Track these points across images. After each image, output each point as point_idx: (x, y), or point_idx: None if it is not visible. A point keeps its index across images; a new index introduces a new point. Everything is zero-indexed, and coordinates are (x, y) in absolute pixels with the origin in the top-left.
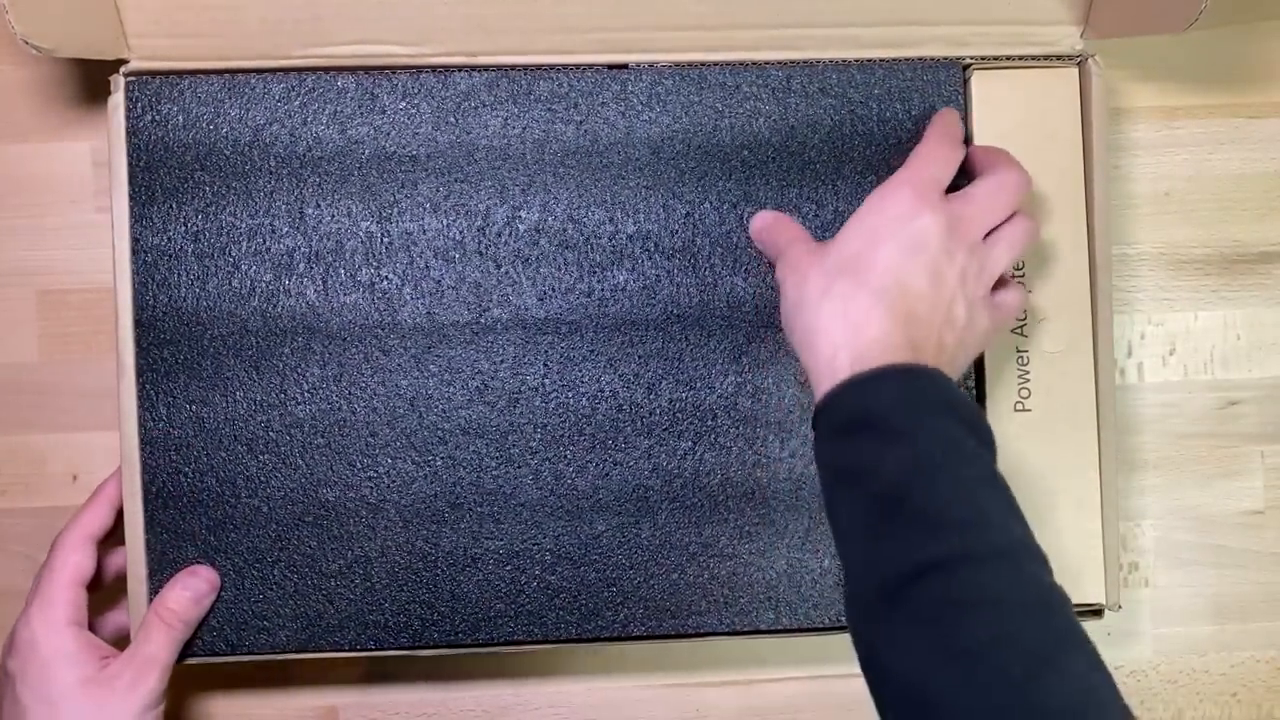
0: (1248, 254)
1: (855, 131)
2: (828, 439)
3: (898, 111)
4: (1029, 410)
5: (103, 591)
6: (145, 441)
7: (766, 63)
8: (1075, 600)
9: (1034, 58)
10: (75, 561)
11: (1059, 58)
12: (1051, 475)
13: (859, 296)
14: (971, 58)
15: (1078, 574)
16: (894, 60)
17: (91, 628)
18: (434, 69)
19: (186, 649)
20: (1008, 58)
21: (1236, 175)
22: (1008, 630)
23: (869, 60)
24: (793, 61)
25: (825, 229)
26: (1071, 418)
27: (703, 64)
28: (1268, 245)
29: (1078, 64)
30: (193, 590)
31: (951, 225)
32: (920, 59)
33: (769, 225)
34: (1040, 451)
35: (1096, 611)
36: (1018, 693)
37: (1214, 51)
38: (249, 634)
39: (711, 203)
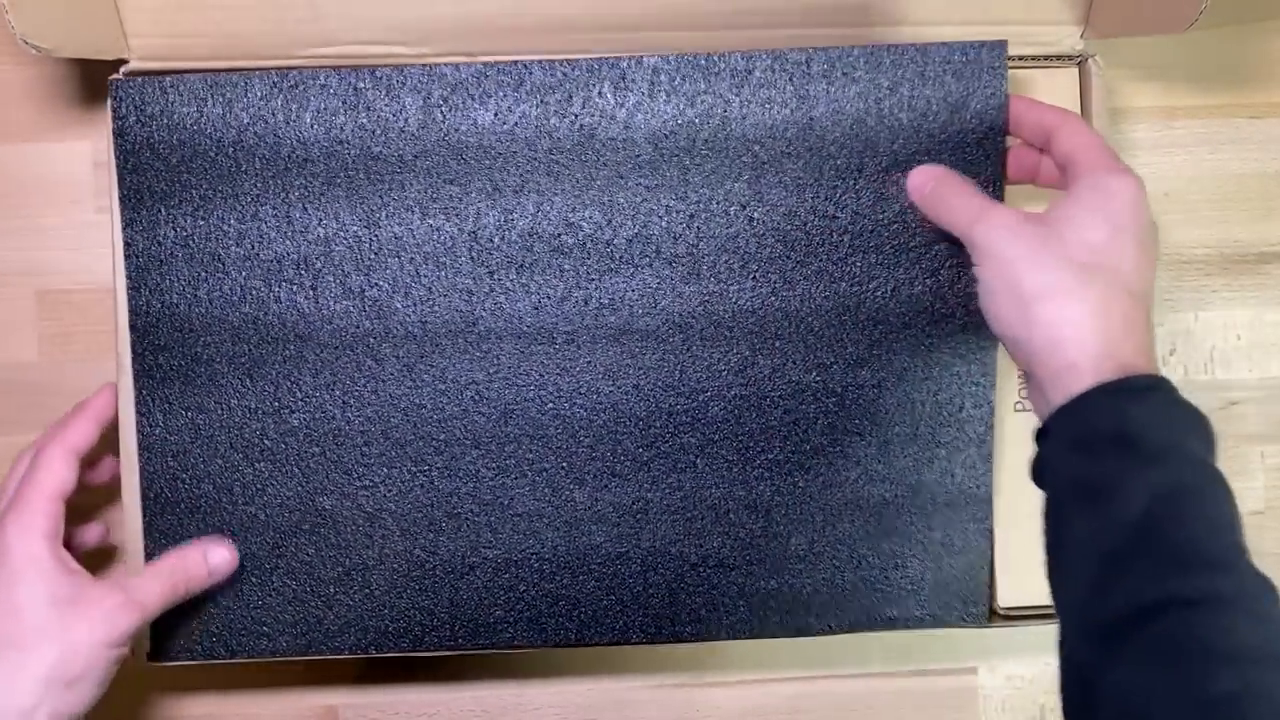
0: (1248, 254)
1: (882, 124)
2: (1068, 448)
3: (930, 100)
4: (1029, 410)
5: (72, 507)
6: (143, 447)
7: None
8: None
9: (1034, 58)
10: (57, 472)
11: (1059, 58)
12: None
13: (1122, 297)
14: None
15: None
16: (927, 43)
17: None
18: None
19: (176, 648)
20: (1008, 57)
21: (1236, 175)
22: (1256, 682)
23: (898, 43)
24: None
25: (842, 232)
26: None
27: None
28: (1268, 245)
29: (1078, 64)
30: (211, 565)
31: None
32: (960, 42)
33: (940, 178)
34: None
35: None
36: None
37: (1214, 51)
38: (248, 639)
39: (718, 203)
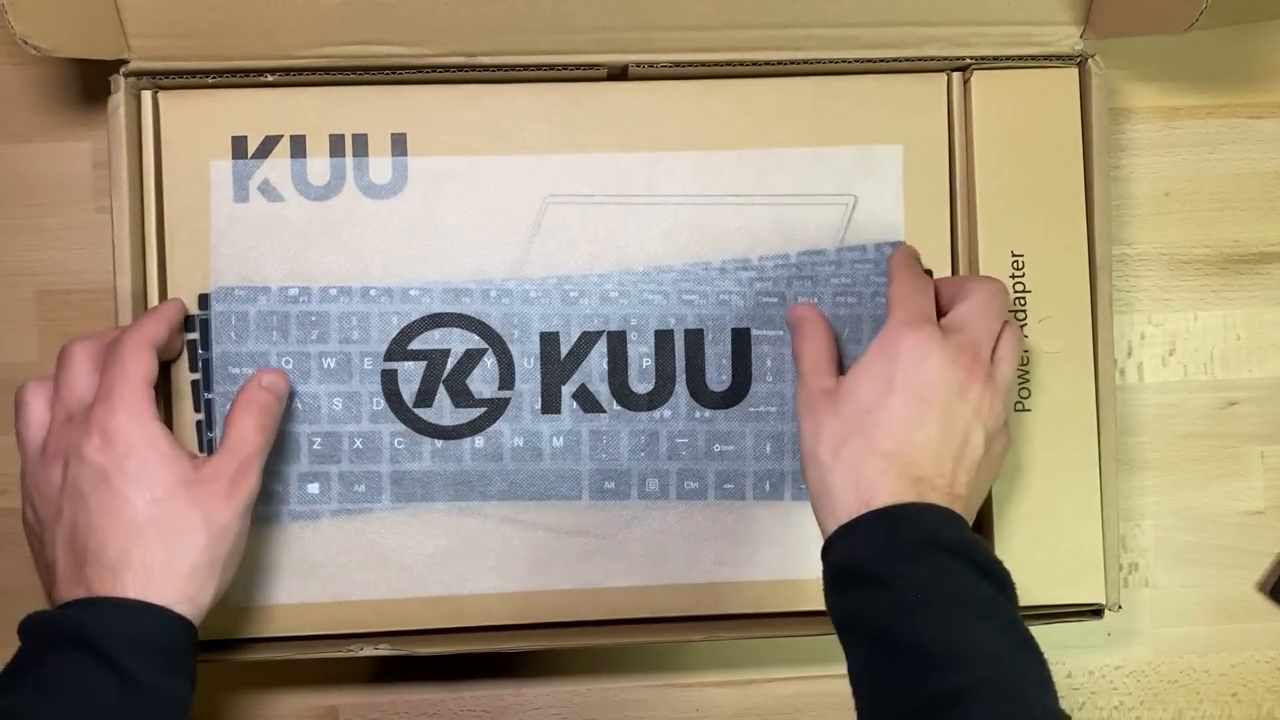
0: (1248, 254)
1: None
2: (828, 593)
3: None
4: (1029, 410)
5: None
6: None
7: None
8: (1075, 600)
9: (1034, 58)
10: (145, 361)
11: (1059, 58)
12: (1051, 475)
13: (870, 461)
14: (971, 58)
15: (1078, 574)
16: None
17: None
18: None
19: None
20: (1008, 58)
21: (1236, 175)
22: None
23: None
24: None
25: None
26: (1071, 418)
27: (703, 63)
28: (1268, 245)
29: (1078, 64)
30: (275, 390)
31: (957, 359)
32: None
33: (799, 323)
34: (1040, 451)
35: (1096, 611)
36: None
37: (1214, 51)
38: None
39: None
